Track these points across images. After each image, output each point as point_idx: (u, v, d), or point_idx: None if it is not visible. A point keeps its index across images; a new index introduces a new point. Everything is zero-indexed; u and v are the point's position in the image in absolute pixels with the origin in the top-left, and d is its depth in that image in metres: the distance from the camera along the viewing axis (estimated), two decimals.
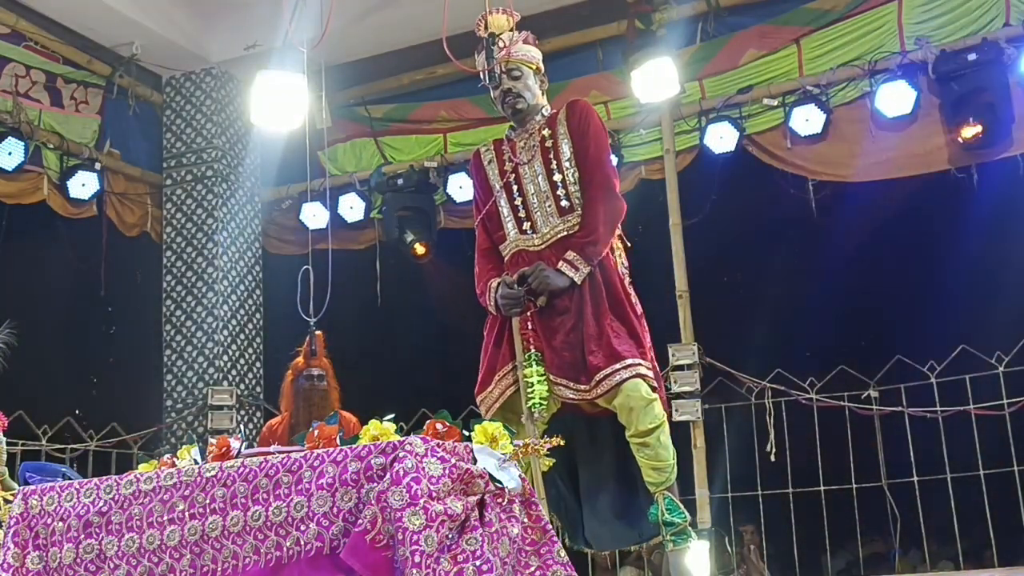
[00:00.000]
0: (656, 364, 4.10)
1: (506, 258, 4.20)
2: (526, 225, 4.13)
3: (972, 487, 6.25)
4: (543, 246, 4.10)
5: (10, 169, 7.30)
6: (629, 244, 4.30)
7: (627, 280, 4.17)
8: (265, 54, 7.38)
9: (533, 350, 3.95)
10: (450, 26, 4.41)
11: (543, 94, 4.27)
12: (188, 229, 8.42)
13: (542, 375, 3.93)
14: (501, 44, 4.09)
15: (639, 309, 4.11)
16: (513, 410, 3.99)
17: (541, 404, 3.89)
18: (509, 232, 4.18)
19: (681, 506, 3.97)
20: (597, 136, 4.12)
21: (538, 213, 4.11)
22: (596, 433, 4.24)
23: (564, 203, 4.07)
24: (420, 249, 8.25)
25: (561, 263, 3.99)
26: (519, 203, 4.15)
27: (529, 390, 3.91)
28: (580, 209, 4.06)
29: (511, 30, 4.12)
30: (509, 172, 4.17)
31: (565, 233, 4.05)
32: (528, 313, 3.97)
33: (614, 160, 7.38)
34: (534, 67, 4.20)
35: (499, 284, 4.06)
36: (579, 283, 3.97)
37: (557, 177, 4.09)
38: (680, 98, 7.40)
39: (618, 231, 4.21)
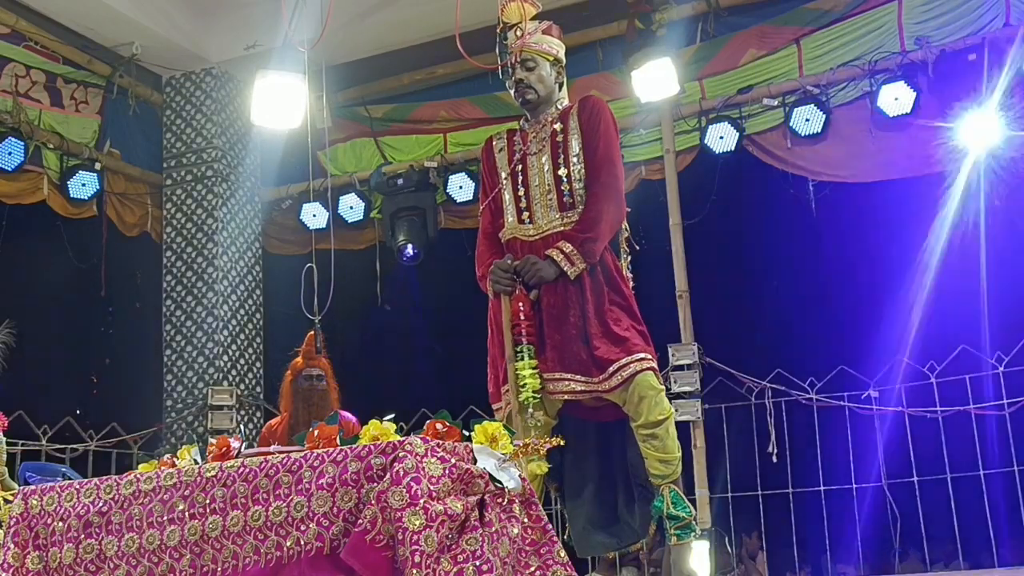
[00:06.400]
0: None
1: (504, 244, 4.21)
2: (525, 215, 4.13)
3: (972, 487, 6.24)
4: (537, 237, 4.09)
5: (10, 169, 7.30)
6: (637, 247, 4.30)
7: (631, 284, 4.17)
8: (265, 54, 7.40)
9: (525, 343, 3.93)
10: (454, 24, 4.41)
11: (561, 87, 4.24)
12: (188, 229, 8.42)
13: (534, 368, 3.91)
14: (518, 33, 4.09)
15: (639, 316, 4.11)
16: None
17: (534, 398, 3.87)
18: (508, 220, 4.18)
19: (686, 500, 3.98)
20: (608, 134, 4.10)
21: (537, 204, 4.10)
22: (581, 439, 4.24)
23: (567, 199, 4.06)
24: (410, 251, 8.21)
25: (555, 252, 3.97)
26: (521, 193, 4.14)
27: (521, 384, 3.88)
28: (581, 206, 4.05)
29: (533, 19, 4.13)
30: (517, 161, 4.17)
31: (562, 228, 4.03)
32: (520, 305, 3.96)
33: None
34: (551, 58, 4.18)
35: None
36: (572, 277, 3.95)
37: (562, 172, 4.07)
38: (680, 98, 7.40)
39: (626, 233, 4.22)
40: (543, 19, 4.25)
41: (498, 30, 4.13)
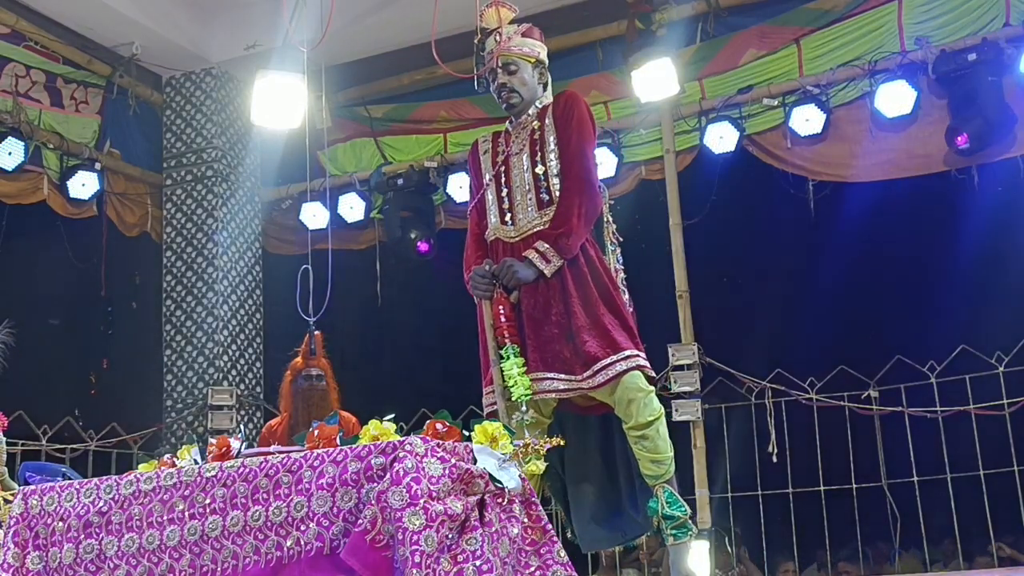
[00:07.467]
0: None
1: (489, 245, 4.21)
2: (507, 216, 4.12)
3: (972, 487, 6.25)
4: (518, 238, 4.07)
5: (10, 169, 7.30)
6: (621, 239, 4.28)
7: (620, 277, 4.15)
8: (265, 54, 7.40)
9: (508, 343, 3.93)
10: (448, 26, 4.41)
11: (544, 87, 4.25)
12: (188, 229, 8.42)
13: (522, 367, 3.90)
14: (497, 38, 4.09)
15: (630, 308, 4.10)
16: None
17: (526, 395, 3.86)
18: (491, 221, 4.18)
19: (681, 500, 3.96)
20: (580, 126, 4.07)
21: (519, 205, 4.10)
22: (582, 433, 4.23)
23: (544, 195, 4.04)
24: (424, 246, 8.23)
25: (531, 252, 3.96)
26: (504, 194, 4.14)
27: (512, 383, 3.87)
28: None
29: (511, 22, 4.12)
30: (500, 163, 4.17)
31: (540, 227, 4.01)
32: (501, 308, 3.95)
33: (614, 158, 7.48)
34: (532, 60, 4.17)
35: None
36: (548, 275, 3.93)
37: (540, 169, 4.06)
38: (680, 98, 7.39)
39: (612, 227, 4.21)
40: (542, 19, 4.27)
41: (476, 40, 4.13)
